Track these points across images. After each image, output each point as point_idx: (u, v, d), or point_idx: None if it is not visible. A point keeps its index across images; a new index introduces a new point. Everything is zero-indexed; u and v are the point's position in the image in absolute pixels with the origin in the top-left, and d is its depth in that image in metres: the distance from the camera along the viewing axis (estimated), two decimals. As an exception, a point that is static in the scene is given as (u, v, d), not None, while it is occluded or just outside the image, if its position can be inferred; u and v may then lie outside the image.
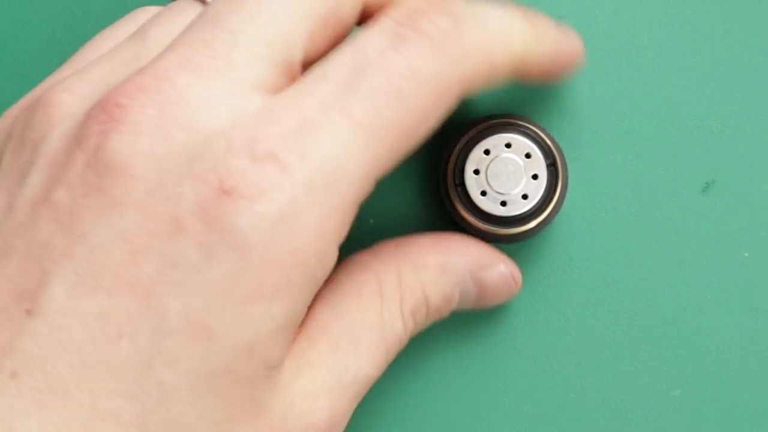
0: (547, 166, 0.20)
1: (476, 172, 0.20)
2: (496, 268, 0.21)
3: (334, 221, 0.16)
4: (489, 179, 0.20)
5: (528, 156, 0.20)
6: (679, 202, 0.26)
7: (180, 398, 0.15)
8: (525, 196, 0.20)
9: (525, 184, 0.20)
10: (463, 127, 0.21)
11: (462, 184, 0.20)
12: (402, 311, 0.19)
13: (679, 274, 0.26)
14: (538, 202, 0.20)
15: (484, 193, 0.20)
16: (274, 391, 0.16)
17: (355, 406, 0.19)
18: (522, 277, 0.23)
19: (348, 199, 0.16)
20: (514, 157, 0.20)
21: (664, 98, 0.26)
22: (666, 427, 0.25)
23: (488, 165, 0.20)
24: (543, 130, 0.21)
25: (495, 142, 0.20)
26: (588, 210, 0.26)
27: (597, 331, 0.26)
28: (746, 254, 0.25)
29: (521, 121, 0.21)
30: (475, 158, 0.20)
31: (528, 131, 0.20)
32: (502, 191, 0.20)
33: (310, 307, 0.18)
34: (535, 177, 0.20)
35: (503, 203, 0.20)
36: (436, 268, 0.20)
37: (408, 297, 0.19)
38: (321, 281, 0.17)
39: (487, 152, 0.20)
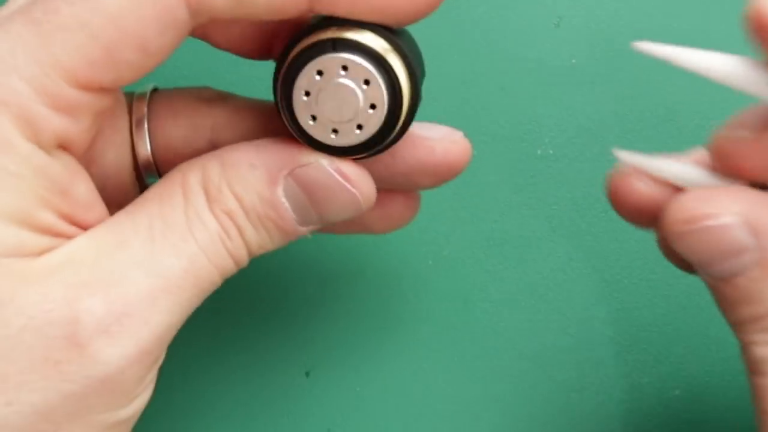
0: (389, 93, 0.18)
1: (307, 93, 0.18)
2: (316, 162, 0.19)
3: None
4: (320, 104, 0.18)
5: (367, 83, 0.18)
6: (679, 202, 0.26)
7: None
8: (360, 126, 0.18)
9: (360, 114, 0.18)
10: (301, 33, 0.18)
11: (290, 106, 0.18)
12: (211, 209, 0.18)
13: (679, 274, 0.26)
14: (374, 135, 0.18)
15: (314, 118, 0.18)
16: (25, 283, 0.16)
17: (173, 302, 0.17)
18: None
19: (22, 94, 0.16)
20: (350, 83, 0.18)
21: (664, 98, 0.26)
22: (666, 427, 0.25)
23: (320, 89, 0.18)
24: (397, 47, 0.18)
25: (330, 63, 0.17)
26: (588, 210, 0.26)
27: (597, 331, 0.26)
28: (746, 254, 0.25)
29: (370, 32, 0.18)
30: (306, 78, 0.18)
31: (373, 52, 0.17)
32: (333, 119, 0.18)
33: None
34: (373, 107, 0.18)
35: (335, 131, 0.18)
36: (243, 165, 0.18)
37: (214, 194, 0.18)
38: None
39: (320, 73, 0.18)
